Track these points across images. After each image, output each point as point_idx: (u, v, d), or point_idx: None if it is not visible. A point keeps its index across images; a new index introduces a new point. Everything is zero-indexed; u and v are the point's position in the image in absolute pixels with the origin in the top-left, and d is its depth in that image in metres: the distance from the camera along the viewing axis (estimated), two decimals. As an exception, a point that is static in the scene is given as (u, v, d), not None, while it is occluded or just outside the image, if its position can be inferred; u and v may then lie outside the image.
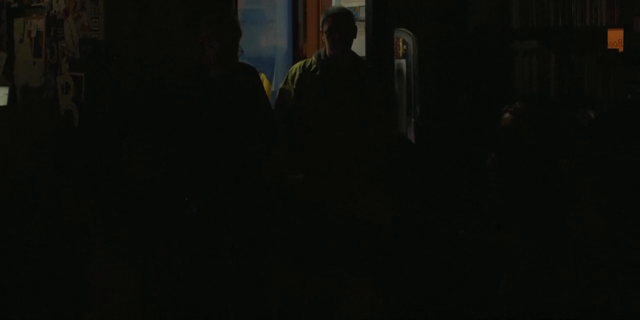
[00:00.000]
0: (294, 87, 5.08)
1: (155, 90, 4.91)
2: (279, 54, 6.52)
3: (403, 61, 5.65)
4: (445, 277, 2.97)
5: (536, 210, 3.68)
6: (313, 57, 5.16)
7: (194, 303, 3.09)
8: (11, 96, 5.90)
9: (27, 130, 5.65)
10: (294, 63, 5.68)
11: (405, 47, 5.68)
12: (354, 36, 5.15)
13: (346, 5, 6.13)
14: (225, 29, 4.75)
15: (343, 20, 5.06)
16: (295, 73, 5.11)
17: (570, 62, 5.35)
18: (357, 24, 5.26)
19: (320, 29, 5.20)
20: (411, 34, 5.61)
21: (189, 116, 4.60)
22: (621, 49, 5.27)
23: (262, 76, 5.88)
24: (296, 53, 6.48)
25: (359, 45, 5.45)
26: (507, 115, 4.25)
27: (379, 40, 5.70)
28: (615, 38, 5.33)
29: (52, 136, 5.44)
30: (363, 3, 5.85)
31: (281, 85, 5.21)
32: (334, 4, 6.45)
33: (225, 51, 4.73)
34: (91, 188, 4.78)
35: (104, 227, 3.65)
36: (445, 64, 5.65)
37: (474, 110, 5.48)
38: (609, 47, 5.33)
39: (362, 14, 5.96)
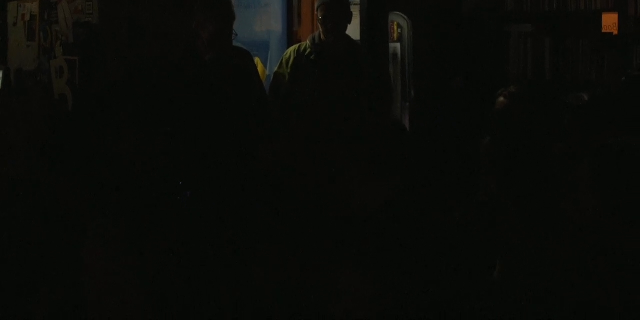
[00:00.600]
0: (289, 71, 5.07)
1: (148, 73, 4.90)
2: (273, 38, 6.49)
3: (398, 45, 5.65)
4: (438, 263, 2.97)
5: (531, 194, 3.68)
6: (308, 41, 5.14)
7: (190, 292, 3.09)
8: (5, 79, 5.88)
9: (21, 114, 5.63)
10: (288, 47, 5.66)
11: (399, 30, 5.68)
12: (349, 22, 5.13)
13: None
14: (219, 12, 4.73)
15: (337, 8, 5.04)
16: (290, 57, 5.10)
17: (564, 45, 5.35)
18: (352, 7, 5.24)
19: (315, 13, 5.19)
20: (406, 17, 5.60)
21: (182, 99, 4.59)
22: (616, 33, 5.27)
23: (257, 60, 5.86)
24: (291, 37, 6.45)
25: (353, 29, 5.44)
26: (501, 99, 4.25)
27: (374, 24, 5.68)
28: (610, 21, 5.32)
29: (46, 120, 5.42)
30: (358, -14, 5.82)
31: (276, 69, 5.20)
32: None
33: (219, 35, 4.71)
34: (85, 173, 4.76)
35: (98, 213, 3.64)
36: (440, 47, 5.64)
37: (468, 94, 5.48)
38: (603, 30, 5.33)
39: (356, -2, 5.94)
